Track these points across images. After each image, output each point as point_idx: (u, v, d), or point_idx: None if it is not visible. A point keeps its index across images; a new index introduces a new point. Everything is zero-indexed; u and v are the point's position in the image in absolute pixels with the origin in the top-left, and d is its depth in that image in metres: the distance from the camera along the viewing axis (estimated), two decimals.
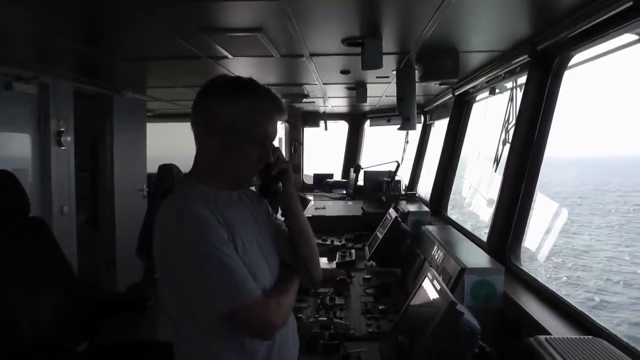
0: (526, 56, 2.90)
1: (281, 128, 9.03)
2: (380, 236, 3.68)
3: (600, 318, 2.34)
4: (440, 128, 6.26)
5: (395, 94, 4.10)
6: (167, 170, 6.20)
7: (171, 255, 1.55)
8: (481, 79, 3.89)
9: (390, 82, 4.87)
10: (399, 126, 4.22)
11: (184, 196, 1.62)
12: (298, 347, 1.89)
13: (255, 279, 1.60)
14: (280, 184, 1.80)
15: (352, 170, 7.81)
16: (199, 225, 1.53)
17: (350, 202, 6.93)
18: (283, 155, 1.78)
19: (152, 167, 7.08)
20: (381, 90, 5.56)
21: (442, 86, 4.78)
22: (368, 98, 5.59)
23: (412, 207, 4.13)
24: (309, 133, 9.06)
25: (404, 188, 5.96)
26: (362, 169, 7.23)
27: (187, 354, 1.65)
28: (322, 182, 8.61)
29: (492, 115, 4.21)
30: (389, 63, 3.80)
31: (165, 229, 1.57)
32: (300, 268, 1.83)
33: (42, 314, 2.81)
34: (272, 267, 1.77)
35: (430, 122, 6.72)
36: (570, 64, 2.68)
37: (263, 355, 1.66)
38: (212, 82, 1.69)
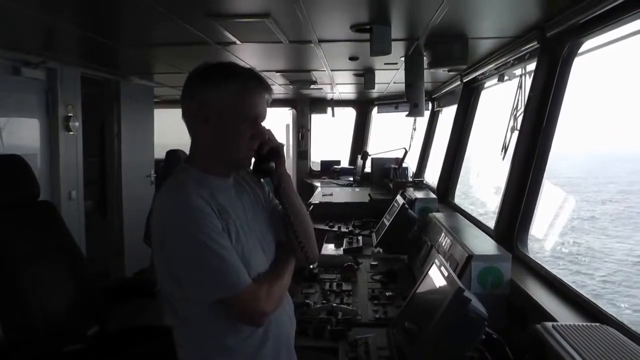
0: (535, 43, 2.88)
1: (289, 115, 9.03)
2: (388, 223, 3.68)
3: None
4: (448, 115, 6.24)
5: (404, 81, 4.09)
6: (175, 155, 6.21)
7: (168, 243, 1.58)
8: (490, 66, 3.87)
9: (398, 69, 4.85)
10: (406, 113, 4.22)
11: (179, 184, 1.65)
12: (295, 327, 1.92)
13: (249, 265, 1.65)
14: (273, 163, 1.80)
15: (359, 157, 7.81)
16: (193, 215, 1.56)
17: (357, 189, 6.94)
18: (274, 135, 1.79)
19: (159, 154, 7.11)
20: (389, 76, 5.55)
21: (451, 73, 4.76)
22: (376, 85, 5.58)
23: (419, 194, 4.12)
24: (316, 119, 9.05)
25: (411, 175, 5.95)
26: (369, 155, 7.23)
27: (186, 336, 1.70)
28: (329, 169, 8.62)
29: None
30: (398, 49, 3.79)
31: (162, 217, 1.60)
32: (295, 248, 1.85)
33: (53, 297, 2.84)
34: (267, 251, 1.80)
35: (439, 109, 6.69)
36: (580, 50, 2.66)
37: (260, 336, 1.69)
38: (196, 71, 1.71)
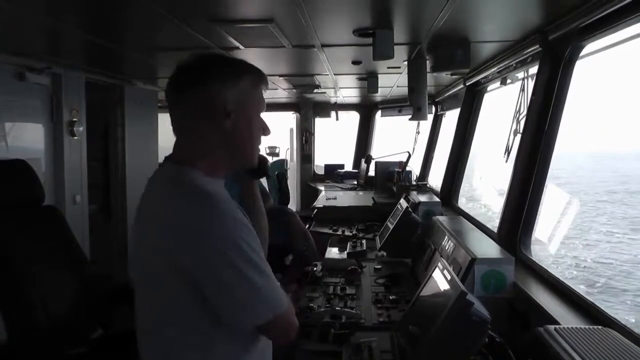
0: (537, 46, 2.89)
1: (292, 119, 9.04)
2: (391, 226, 3.68)
3: None
4: (451, 118, 6.25)
5: (407, 85, 4.10)
6: None
7: (204, 259, 1.38)
8: (492, 69, 3.88)
9: (401, 73, 4.86)
10: (410, 116, 4.22)
11: (212, 195, 1.45)
12: None
13: None
14: (269, 160, 1.79)
15: (363, 160, 7.83)
16: (242, 230, 1.42)
17: (361, 193, 6.95)
18: None
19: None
20: (392, 80, 5.56)
21: (454, 76, 4.76)
22: (379, 88, 5.59)
23: (422, 198, 4.13)
24: (320, 123, 9.06)
25: (414, 178, 5.96)
26: (373, 159, 7.25)
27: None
28: (333, 173, 8.64)
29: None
30: (400, 53, 3.79)
31: (207, 236, 1.38)
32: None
33: (57, 301, 2.85)
34: None
35: (442, 112, 6.70)
36: (582, 54, 2.66)
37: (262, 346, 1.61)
38: (206, 65, 1.57)
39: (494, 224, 3.56)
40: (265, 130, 1.67)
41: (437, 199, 4.17)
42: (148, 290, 1.52)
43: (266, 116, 1.70)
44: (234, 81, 1.55)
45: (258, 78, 1.62)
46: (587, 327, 1.64)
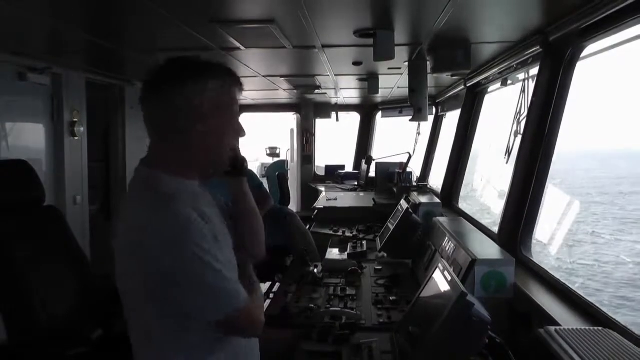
0: (538, 47, 2.89)
1: (293, 119, 9.05)
2: (392, 227, 3.68)
3: None
4: (452, 120, 6.25)
5: (407, 86, 4.10)
6: None
7: (164, 263, 1.43)
8: (493, 70, 3.88)
9: (402, 74, 4.86)
10: (410, 117, 4.22)
11: (167, 197, 1.50)
12: None
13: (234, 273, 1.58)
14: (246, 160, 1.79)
15: (363, 161, 7.83)
16: (191, 231, 1.45)
17: (361, 194, 6.94)
18: None
19: None
20: (393, 81, 5.56)
21: (454, 77, 4.77)
22: (380, 89, 5.59)
23: (423, 199, 4.12)
24: (320, 124, 9.07)
25: (415, 179, 5.95)
26: (373, 160, 7.25)
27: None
28: (333, 174, 8.63)
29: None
30: (401, 54, 3.80)
31: (155, 236, 1.44)
32: (246, 246, 1.78)
33: (58, 301, 2.85)
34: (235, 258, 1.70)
35: (442, 113, 6.70)
36: (582, 55, 2.66)
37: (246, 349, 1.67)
38: (182, 68, 1.59)
39: (486, 222, 3.58)
40: (241, 132, 1.69)
41: (438, 200, 4.17)
42: (131, 290, 1.59)
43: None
44: (209, 84, 1.57)
45: (233, 81, 1.64)
46: (587, 328, 1.64)
